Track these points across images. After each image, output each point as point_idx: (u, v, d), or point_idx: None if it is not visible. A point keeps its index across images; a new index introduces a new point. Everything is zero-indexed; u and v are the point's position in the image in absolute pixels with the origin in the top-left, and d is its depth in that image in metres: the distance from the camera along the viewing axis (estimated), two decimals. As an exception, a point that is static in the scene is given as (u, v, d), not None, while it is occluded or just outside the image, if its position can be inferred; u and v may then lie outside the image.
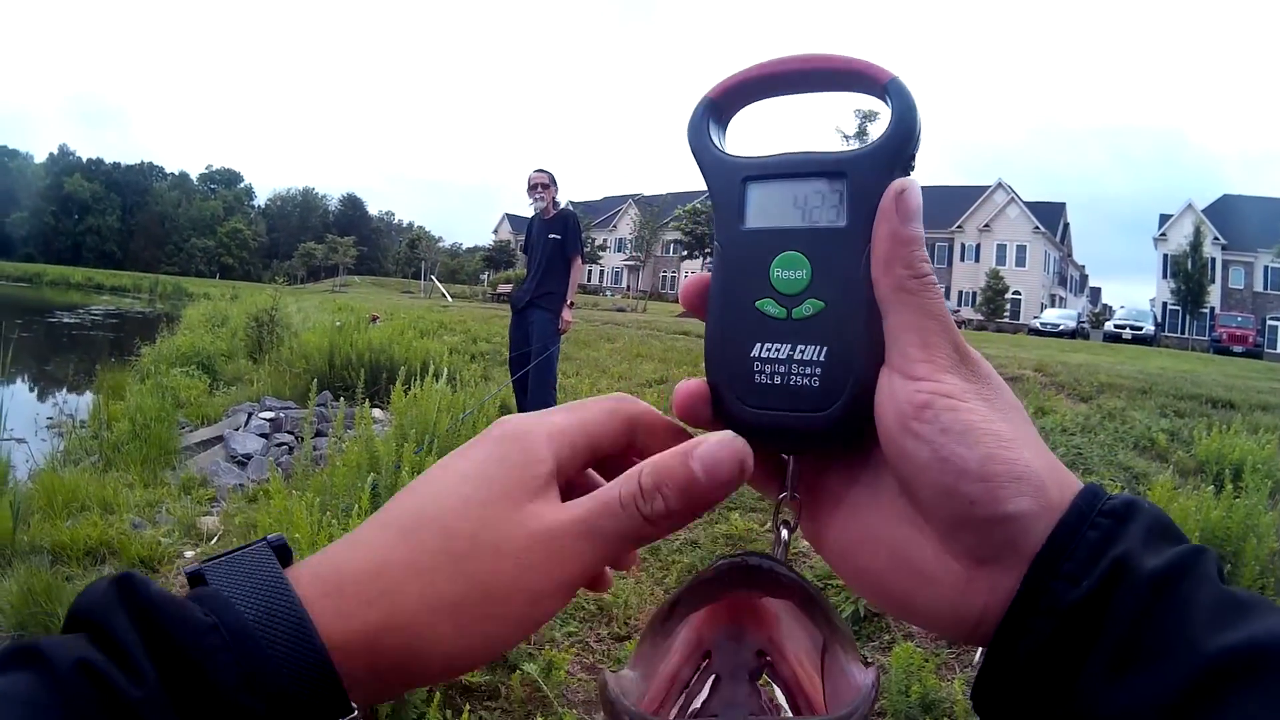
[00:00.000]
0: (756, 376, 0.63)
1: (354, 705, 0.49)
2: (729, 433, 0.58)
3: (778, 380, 0.63)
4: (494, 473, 0.56)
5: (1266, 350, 63.72)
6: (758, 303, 0.64)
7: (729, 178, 0.66)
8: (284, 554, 0.54)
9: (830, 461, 0.66)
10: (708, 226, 62.46)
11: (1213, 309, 69.22)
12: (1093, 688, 0.48)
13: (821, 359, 0.62)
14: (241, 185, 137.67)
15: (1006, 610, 0.53)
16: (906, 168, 0.63)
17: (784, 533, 0.66)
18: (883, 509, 0.61)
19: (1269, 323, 72.60)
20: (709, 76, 0.66)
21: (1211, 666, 0.45)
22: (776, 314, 0.63)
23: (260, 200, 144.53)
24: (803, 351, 0.62)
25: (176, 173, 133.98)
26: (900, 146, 0.63)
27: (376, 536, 0.54)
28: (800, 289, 0.63)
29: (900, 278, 0.58)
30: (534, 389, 8.85)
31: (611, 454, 0.64)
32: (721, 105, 0.69)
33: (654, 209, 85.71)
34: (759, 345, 0.63)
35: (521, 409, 8.79)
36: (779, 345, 0.63)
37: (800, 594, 0.62)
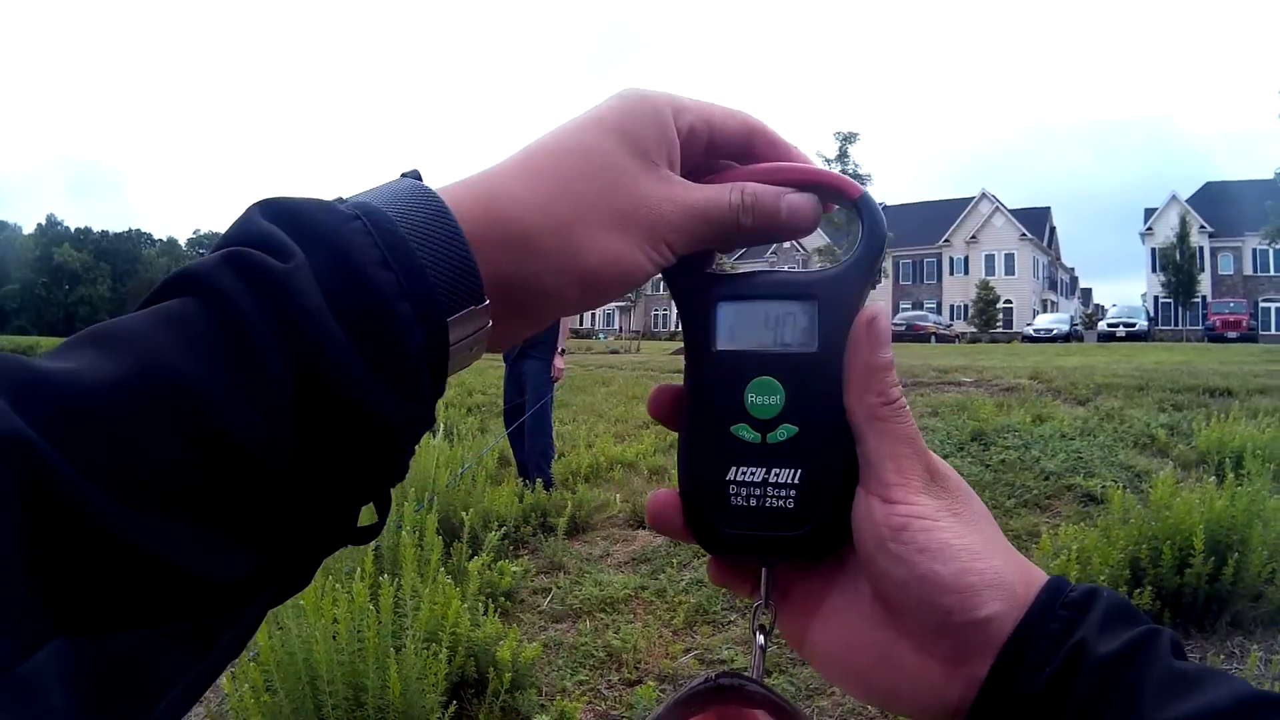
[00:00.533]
0: (732, 499, 0.65)
1: (485, 296, 0.54)
2: (813, 198, 0.68)
3: (753, 503, 0.65)
4: (632, 128, 0.63)
5: (1261, 333, 63.45)
6: (732, 427, 0.65)
7: (700, 295, 0.68)
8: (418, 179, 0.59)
9: (808, 568, 0.69)
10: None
11: (1204, 297, 68.91)
12: None
13: (796, 482, 0.64)
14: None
15: (975, 699, 0.57)
16: (875, 281, 0.67)
17: (760, 639, 0.69)
18: (862, 613, 0.64)
19: (1261, 305, 72.46)
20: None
21: None
22: (751, 439, 0.65)
23: None
24: (778, 475, 0.64)
25: (165, 239, 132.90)
26: (871, 264, 0.66)
27: (528, 159, 0.61)
28: (774, 414, 0.64)
29: (873, 405, 0.62)
30: (530, 439, 8.83)
31: (727, 153, 0.70)
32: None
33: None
34: (734, 469, 0.65)
35: (519, 460, 8.78)
36: (754, 469, 0.65)
37: (770, 706, 0.64)
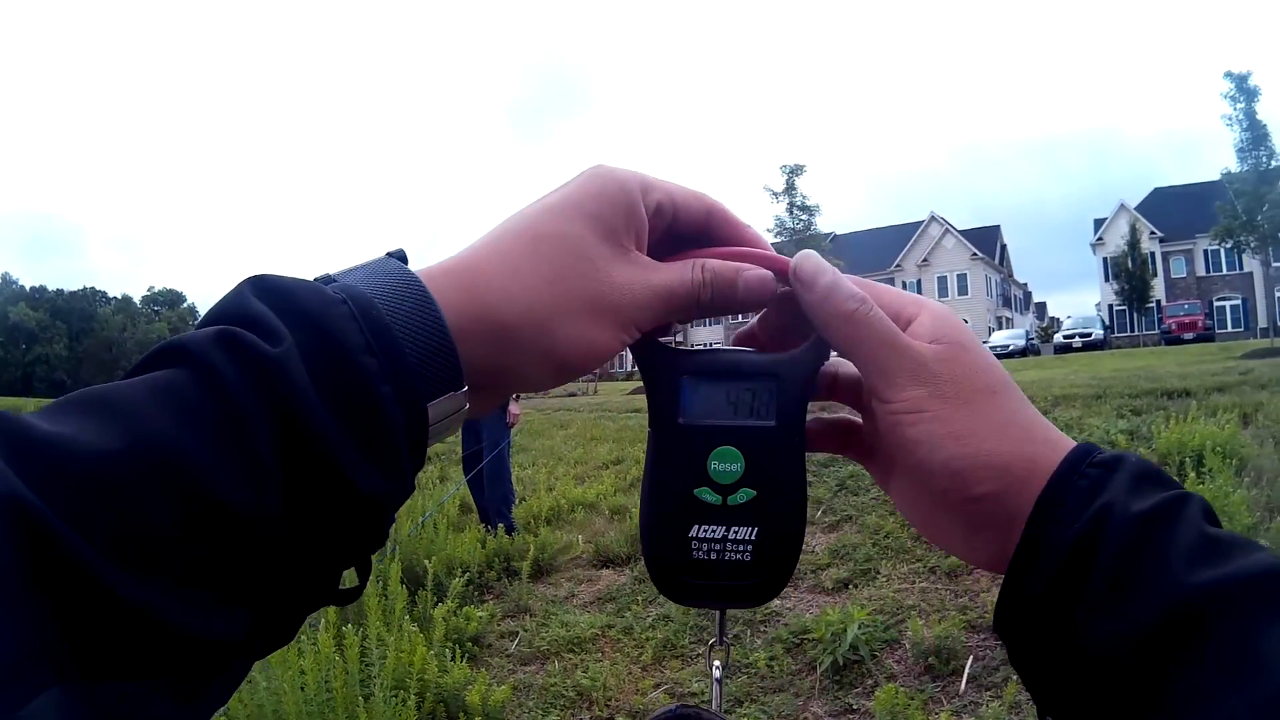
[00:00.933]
0: (694, 553, 0.71)
1: (465, 383, 0.58)
2: (768, 274, 0.72)
3: (714, 556, 0.71)
4: (604, 211, 0.67)
5: (1218, 331, 63.15)
6: (696, 490, 0.70)
7: (668, 372, 0.73)
8: (403, 260, 0.62)
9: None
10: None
11: (1159, 302, 68.84)
12: (1087, 618, 0.54)
13: (753, 538, 0.70)
14: (185, 305, 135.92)
15: (1013, 555, 0.60)
16: (826, 358, 0.73)
17: (717, 672, 0.78)
18: (909, 484, 0.70)
19: (1216, 304, 72.54)
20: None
21: (1189, 599, 0.50)
22: (713, 501, 0.70)
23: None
24: (736, 532, 0.70)
25: (120, 296, 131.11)
26: (824, 347, 0.72)
27: (508, 244, 0.64)
28: (734, 480, 0.70)
29: (837, 324, 0.68)
30: (490, 486, 8.84)
31: (687, 230, 0.74)
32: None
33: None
34: (696, 526, 0.70)
35: (479, 506, 8.75)
36: (715, 527, 0.70)
37: None
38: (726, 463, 0.70)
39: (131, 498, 0.42)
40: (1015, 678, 4.81)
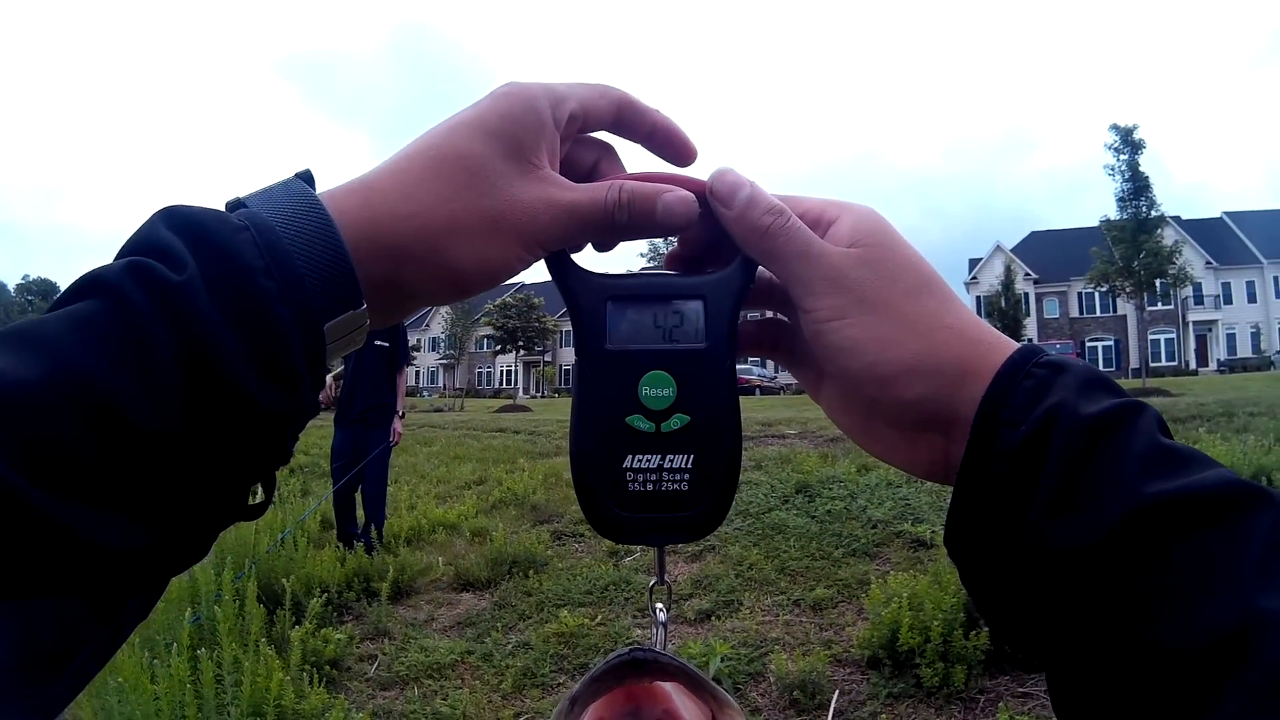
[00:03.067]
0: (630, 485, 0.70)
1: (364, 301, 0.59)
2: (689, 195, 0.71)
3: (649, 487, 0.70)
4: (510, 130, 0.66)
5: None
6: (628, 419, 0.69)
7: (591, 297, 0.72)
8: (310, 181, 0.63)
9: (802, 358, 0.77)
10: (518, 320, 61.96)
11: (1030, 340, 71.24)
12: (1038, 523, 0.54)
13: (689, 466, 0.70)
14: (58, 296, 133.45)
15: (961, 460, 0.59)
16: (753, 282, 0.73)
17: (661, 615, 0.79)
18: (840, 393, 0.71)
19: (1088, 344, 75.81)
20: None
21: (1143, 510, 0.50)
22: (646, 428, 0.69)
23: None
24: (672, 461, 0.70)
25: None
26: (751, 266, 0.72)
27: (407, 164, 0.64)
28: (667, 405, 0.69)
29: (765, 228, 0.68)
30: (372, 507, 8.86)
31: (600, 128, 0.75)
32: None
33: (465, 306, 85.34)
34: (630, 457, 0.70)
35: (339, 524, 8.65)
36: (649, 456, 0.70)
37: (684, 675, 0.73)
38: (658, 388, 0.69)
39: (49, 423, 0.45)
40: (885, 713, 4.89)
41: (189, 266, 0.52)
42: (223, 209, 0.59)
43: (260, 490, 0.59)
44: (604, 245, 0.74)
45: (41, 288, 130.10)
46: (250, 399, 0.52)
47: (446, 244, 0.63)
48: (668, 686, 0.74)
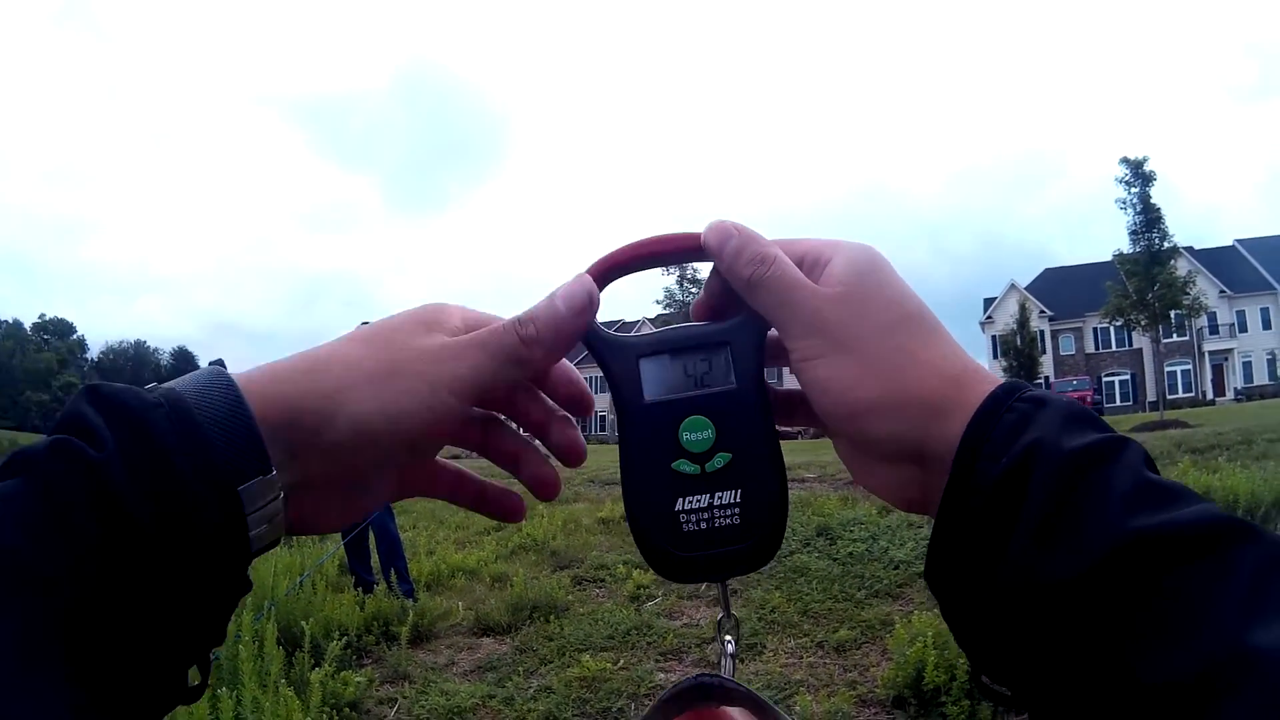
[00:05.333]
0: (684, 526, 0.71)
1: (274, 469, 0.58)
2: (582, 275, 0.73)
3: (703, 525, 0.71)
4: (420, 313, 0.70)
5: (1106, 404, 66.38)
6: (673, 464, 0.71)
7: (624, 358, 0.75)
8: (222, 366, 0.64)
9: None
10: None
11: (1047, 378, 70.97)
12: (1020, 557, 0.53)
13: (739, 500, 0.71)
14: (74, 337, 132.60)
15: (942, 495, 0.59)
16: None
17: (730, 646, 0.80)
18: (831, 431, 0.71)
19: (1105, 379, 75.53)
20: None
21: (1127, 543, 0.49)
22: (691, 471, 0.71)
23: (93, 352, 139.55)
24: (720, 498, 0.71)
25: (10, 320, 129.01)
26: None
27: (323, 346, 0.67)
28: (708, 446, 0.71)
29: (747, 279, 0.71)
30: (383, 555, 8.77)
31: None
32: (599, 283, 0.75)
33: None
34: (681, 499, 0.71)
35: (354, 571, 8.63)
36: (699, 496, 0.71)
37: (750, 702, 0.75)
38: (697, 432, 0.71)
39: None
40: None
41: (109, 443, 0.53)
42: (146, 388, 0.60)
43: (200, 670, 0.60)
44: (530, 373, 0.73)
45: (58, 328, 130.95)
46: (170, 573, 0.53)
47: (345, 393, 0.64)
48: (734, 712, 0.76)
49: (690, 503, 0.71)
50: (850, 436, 0.68)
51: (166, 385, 0.60)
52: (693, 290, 39.11)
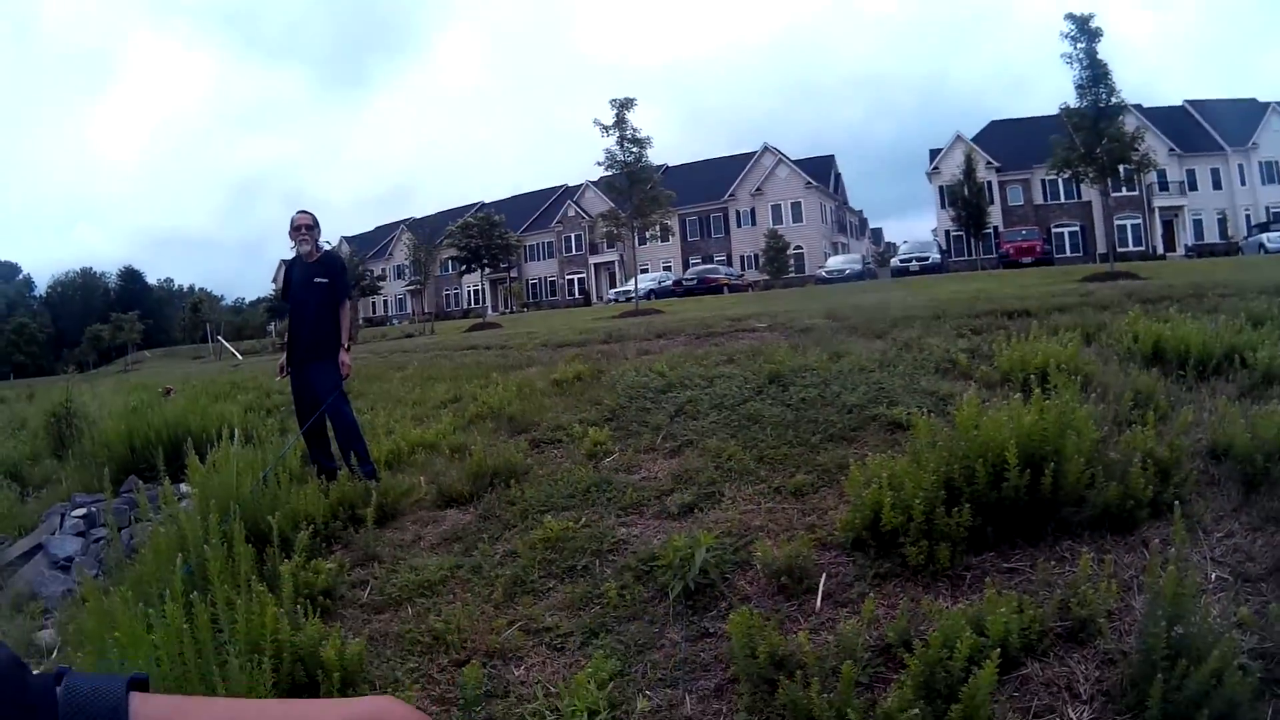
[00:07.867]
0: None
1: None
2: None
3: None
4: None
5: (1057, 255, 66.07)
6: None
7: None
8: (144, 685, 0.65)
9: None
10: (480, 239, 61.35)
11: (996, 228, 70.70)
12: None
13: None
14: (20, 277, 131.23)
15: None
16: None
17: None
18: None
19: (1055, 230, 75.42)
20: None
21: None
22: None
23: (41, 288, 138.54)
24: None
25: None
26: None
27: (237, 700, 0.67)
28: None
29: None
30: (342, 441, 8.80)
31: None
32: None
33: (426, 230, 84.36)
34: None
35: (316, 460, 8.60)
36: None
37: None
38: None
39: None
40: (872, 593, 4.95)
41: None
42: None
43: None
44: None
45: (3, 271, 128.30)
46: None
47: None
48: None
49: None
50: None
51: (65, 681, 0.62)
52: (634, 151, 38.36)
